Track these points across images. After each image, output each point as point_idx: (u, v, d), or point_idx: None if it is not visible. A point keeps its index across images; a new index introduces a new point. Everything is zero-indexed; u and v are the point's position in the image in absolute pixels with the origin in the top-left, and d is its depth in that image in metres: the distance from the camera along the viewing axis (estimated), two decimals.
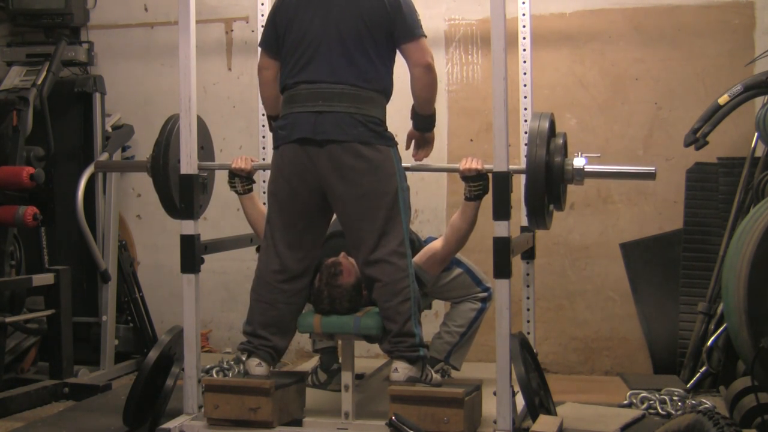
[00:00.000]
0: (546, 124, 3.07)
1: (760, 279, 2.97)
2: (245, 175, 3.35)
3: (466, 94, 4.55)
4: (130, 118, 4.91)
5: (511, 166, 2.94)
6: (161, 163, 3.37)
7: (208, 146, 3.66)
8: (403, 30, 3.03)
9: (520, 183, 3.51)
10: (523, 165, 3.67)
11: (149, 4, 4.99)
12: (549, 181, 3.04)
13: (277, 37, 3.15)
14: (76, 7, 4.73)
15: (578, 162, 3.06)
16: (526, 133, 3.72)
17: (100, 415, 3.66)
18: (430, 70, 3.05)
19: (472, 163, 3.11)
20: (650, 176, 3.15)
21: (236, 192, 3.38)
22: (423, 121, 3.18)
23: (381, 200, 3.00)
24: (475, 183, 3.11)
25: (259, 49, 3.31)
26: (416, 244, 3.41)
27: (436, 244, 3.32)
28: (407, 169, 3.19)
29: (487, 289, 3.60)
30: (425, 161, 3.36)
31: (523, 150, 3.74)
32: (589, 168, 3.07)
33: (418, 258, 3.29)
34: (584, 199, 4.39)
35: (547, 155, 3.02)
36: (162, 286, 4.87)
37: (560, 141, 3.10)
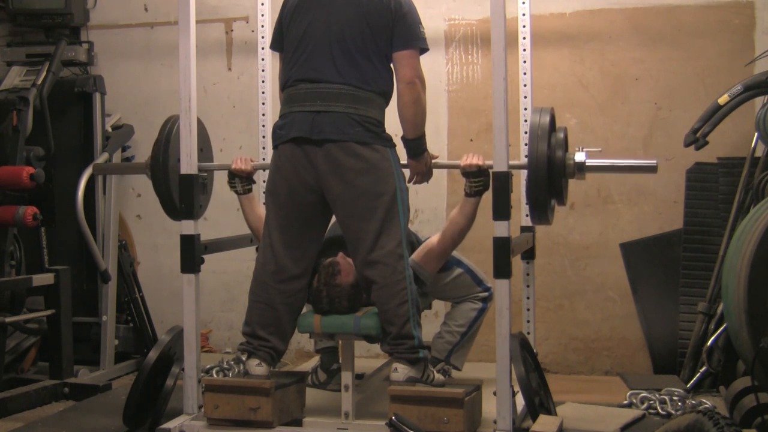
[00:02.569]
0: (547, 119, 3.05)
1: (760, 279, 2.96)
2: (245, 175, 3.35)
3: (466, 94, 4.55)
4: (130, 118, 4.91)
5: (511, 161, 2.93)
6: (160, 163, 3.36)
7: (207, 147, 3.65)
8: (399, 37, 3.00)
9: (520, 183, 3.52)
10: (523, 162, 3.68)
11: (149, 4, 4.99)
12: (551, 175, 3.03)
13: (282, 38, 3.15)
14: (76, 7, 4.73)
15: (579, 156, 3.06)
16: (526, 133, 3.72)
17: (100, 415, 3.66)
18: (412, 86, 2.99)
19: (473, 159, 3.11)
20: (652, 169, 3.13)
21: (236, 192, 3.39)
22: (407, 145, 3.12)
23: (378, 200, 2.99)
24: (476, 179, 3.11)
25: (271, 52, 3.28)
26: (415, 246, 3.41)
27: (433, 239, 3.31)
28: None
29: (487, 289, 3.60)
30: None
31: (523, 150, 3.74)
32: (590, 162, 3.07)
33: (416, 255, 3.28)
34: (584, 199, 4.39)
35: (548, 149, 3.01)
36: (162, 286, 4.87)
37: (561, 135, 3.10)
